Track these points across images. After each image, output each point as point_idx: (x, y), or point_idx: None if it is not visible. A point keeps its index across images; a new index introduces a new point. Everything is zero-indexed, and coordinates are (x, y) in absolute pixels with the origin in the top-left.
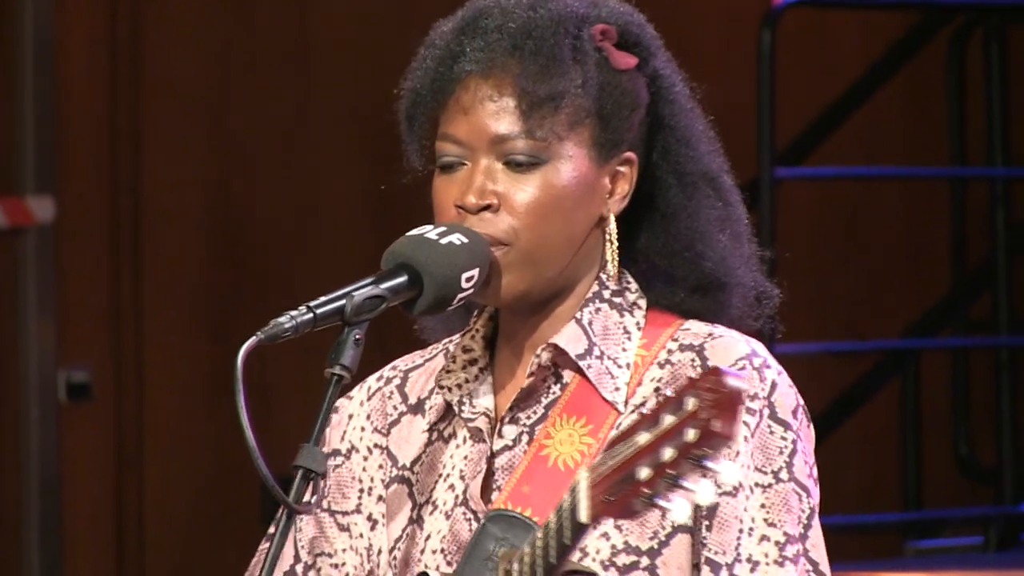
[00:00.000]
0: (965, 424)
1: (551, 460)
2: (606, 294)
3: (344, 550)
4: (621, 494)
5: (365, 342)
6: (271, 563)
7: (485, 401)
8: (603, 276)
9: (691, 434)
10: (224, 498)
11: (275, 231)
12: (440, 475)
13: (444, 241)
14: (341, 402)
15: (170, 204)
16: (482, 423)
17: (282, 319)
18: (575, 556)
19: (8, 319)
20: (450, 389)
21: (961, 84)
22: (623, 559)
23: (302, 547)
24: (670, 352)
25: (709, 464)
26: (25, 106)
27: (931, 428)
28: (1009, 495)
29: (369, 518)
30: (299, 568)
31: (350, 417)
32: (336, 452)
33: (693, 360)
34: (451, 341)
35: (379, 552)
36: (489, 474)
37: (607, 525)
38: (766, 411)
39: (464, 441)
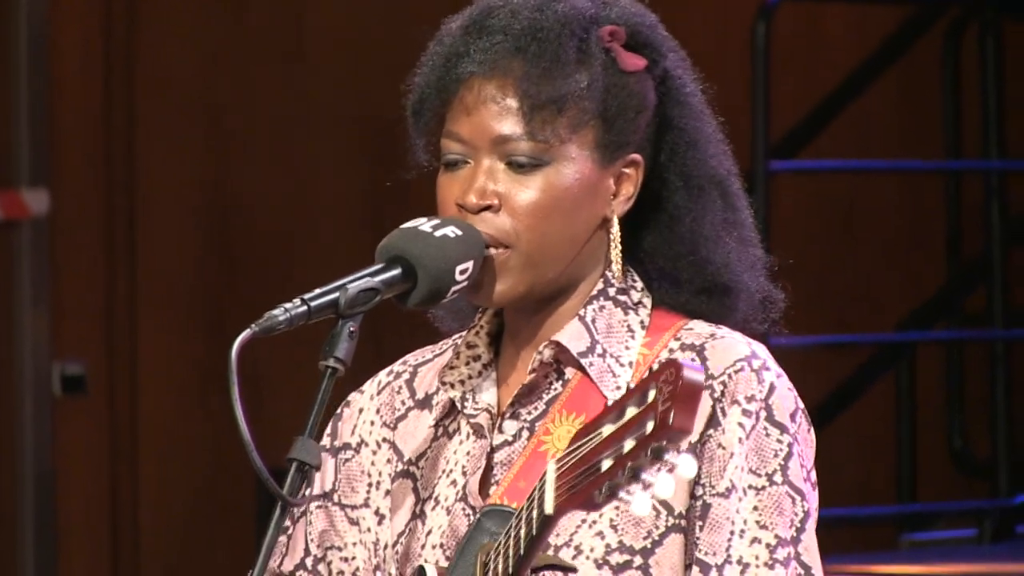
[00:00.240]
0: (960, 417)
1: (549, 455)
2: (611, 292)
3: (354, 544)
4: (584, 485)
5: (359, 335)
6: (265, 555)
7: (488, 397)
8: (608, 275)
9: (649, 426)
10: (219, 491)
11: (269, 226)
12: (443, 470)
13: (438, 234)
14: (353, 396)
15: (165, 199)
16: (483, 419)
17: (276, 311)
18: (567, 555)
19: (2, 312)
20: (453, 385)
21: (956, 77)
22: (616, 558)
23: (312, 540)
24: (672, 352)
25: (667, 457)
26: (20, 99)
27: (926, 421)
28: (1004, 488)
29: (376, 512)
30: (309, 561)
31: (360, 411)
32: (347, 446)
33: (693, 360)
34: (459, 336)
35: (385, 547)
36: (488, 469)
37: (602, 523)
38: (762, 413)
39: (467, 437)
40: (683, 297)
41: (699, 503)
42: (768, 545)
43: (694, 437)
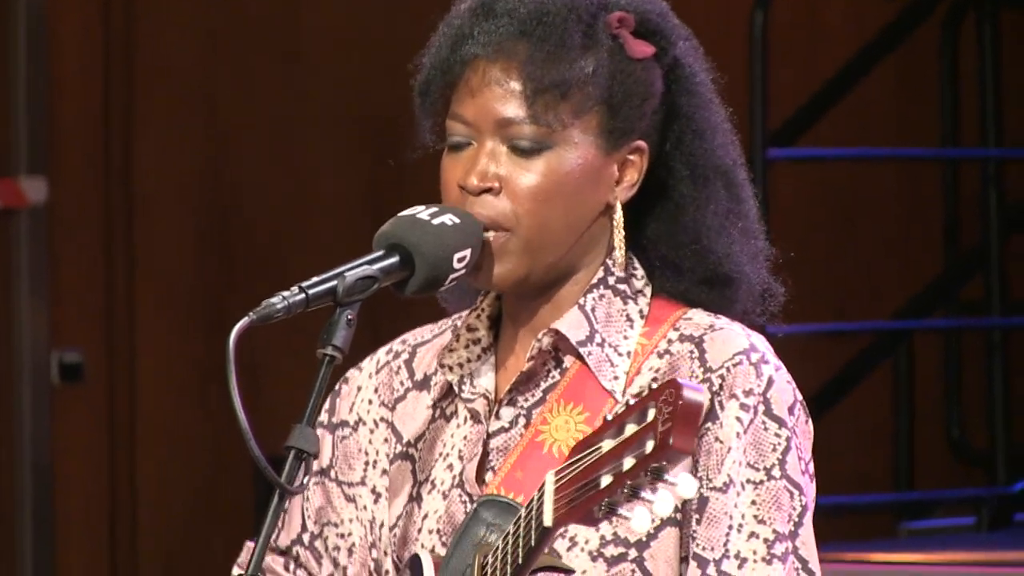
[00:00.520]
0: (958, 405)
1: (546, 447)
2: (611, 280)
3: (351, 520)
4: (583, 500)
5: (357, 323)
6: (264, 542)
7: (485, 382)
8: (609, 262)
9: (649, 445)
10: (217, 480)
11: (267, 216)
12: (440, 454)
13: (436, 222)
14: (351, 372)
15: (163, 189)
16: (480, 404)
17: (274, 299)
18: (562, 547)
19: (0, 301)
20: (451, 368)
21: (954, 66)
22: (611, 550)
23: (309, 516)
24: (670, 342)
25: (667, 476)
26: (18, 87)
27: (924, 409)
28: (1002, 476)
29: (373, 491)
30: (306, 537)
31: (359, 389)
32: (344, 423)
33: (692, 352)
34: (459, 317)
35: (381, 525)
36: (484, 456)
37: None
38: (761, 407)
39: (464, 421)
40: (684, 286)
41: (696, 497)
42: (766, 540)
43: None
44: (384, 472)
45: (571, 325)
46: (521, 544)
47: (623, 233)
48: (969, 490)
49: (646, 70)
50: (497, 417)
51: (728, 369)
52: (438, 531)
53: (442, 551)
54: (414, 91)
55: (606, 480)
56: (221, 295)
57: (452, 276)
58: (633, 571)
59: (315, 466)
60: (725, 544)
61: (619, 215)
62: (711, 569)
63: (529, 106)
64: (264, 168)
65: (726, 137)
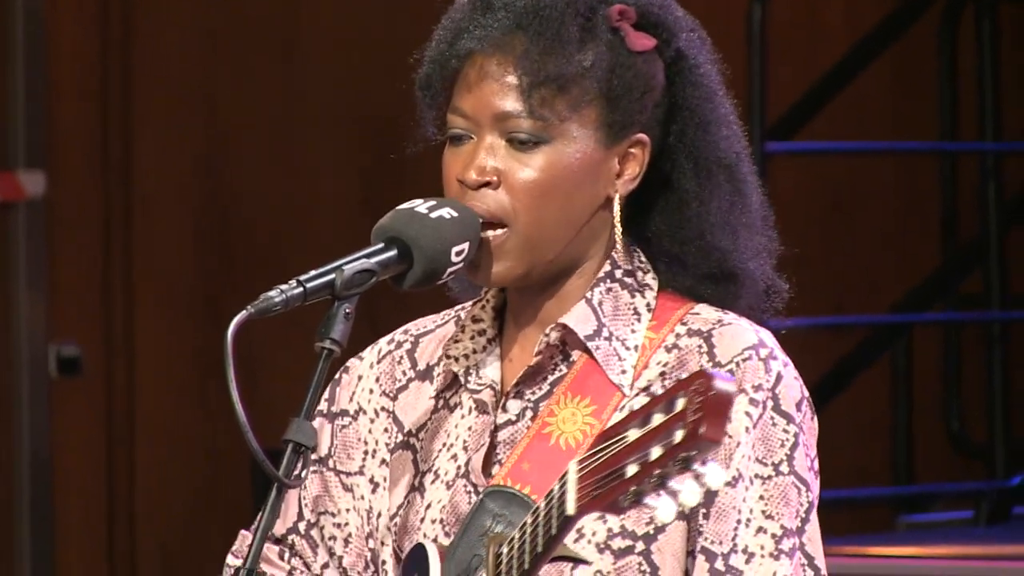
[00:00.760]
0: (956, 399)
1: (553, 439)
2: (618, 274)
3: (348, 510)
4: (608, 489)
5: (355, 316)
6: (262, 535)
7: (491, 373)
8: (615, 255)
9: (678, 435)
10: (215, 473)
11: (265, 210)
12: (444, 444)
13: (434, 215)
14: (352, 362)
15: (161, 183)
16: (487, 396)
17: (272, 293)
18: (569, 539)
19: None
20: (457, 359)
21: (952, 59)
22: (619, 543)
23: (306, 505)
24: (678, 336)
25: (695, 466)
26: (16, 80)
27: (923, 403)
28: (1000, 469)
29: (371, 481)
30: (302, 525)
31: (359, 378)
32: (344, 412)
33: (700, 346)
34: (463, 308)
35: (378, 515)
36: (491, 447)
37: None
38: (769, 403)
39: (469, 411)
40: (688, 281)
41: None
42: (774, 535)
43: None
44: (383, 462)
45: (578, 319)
46: (541, 532)
47: (621, 226)
48: (968, 484)
49: (647, 63)
50: (504, 410)
51: (737, 364)
52: (441, 521)
53: (445, 541)
54: (416, 85)
55: (632, 469)
56: (219, 290)
57: (450, 269)
58: (640, 564)
59: (313, 455)
60: (733, 538)
61: (617, 209)
62: (719, 563)
63: (526, 100)
64: (263, 167)
65: (731, 129)
